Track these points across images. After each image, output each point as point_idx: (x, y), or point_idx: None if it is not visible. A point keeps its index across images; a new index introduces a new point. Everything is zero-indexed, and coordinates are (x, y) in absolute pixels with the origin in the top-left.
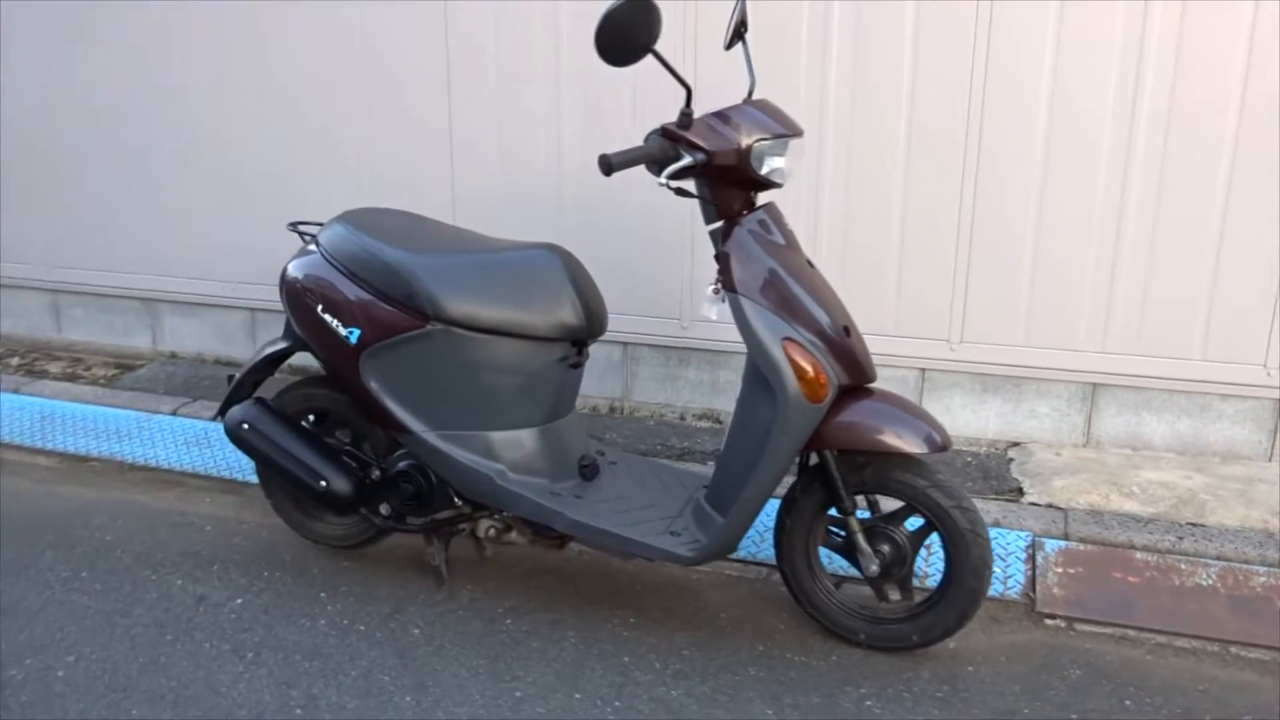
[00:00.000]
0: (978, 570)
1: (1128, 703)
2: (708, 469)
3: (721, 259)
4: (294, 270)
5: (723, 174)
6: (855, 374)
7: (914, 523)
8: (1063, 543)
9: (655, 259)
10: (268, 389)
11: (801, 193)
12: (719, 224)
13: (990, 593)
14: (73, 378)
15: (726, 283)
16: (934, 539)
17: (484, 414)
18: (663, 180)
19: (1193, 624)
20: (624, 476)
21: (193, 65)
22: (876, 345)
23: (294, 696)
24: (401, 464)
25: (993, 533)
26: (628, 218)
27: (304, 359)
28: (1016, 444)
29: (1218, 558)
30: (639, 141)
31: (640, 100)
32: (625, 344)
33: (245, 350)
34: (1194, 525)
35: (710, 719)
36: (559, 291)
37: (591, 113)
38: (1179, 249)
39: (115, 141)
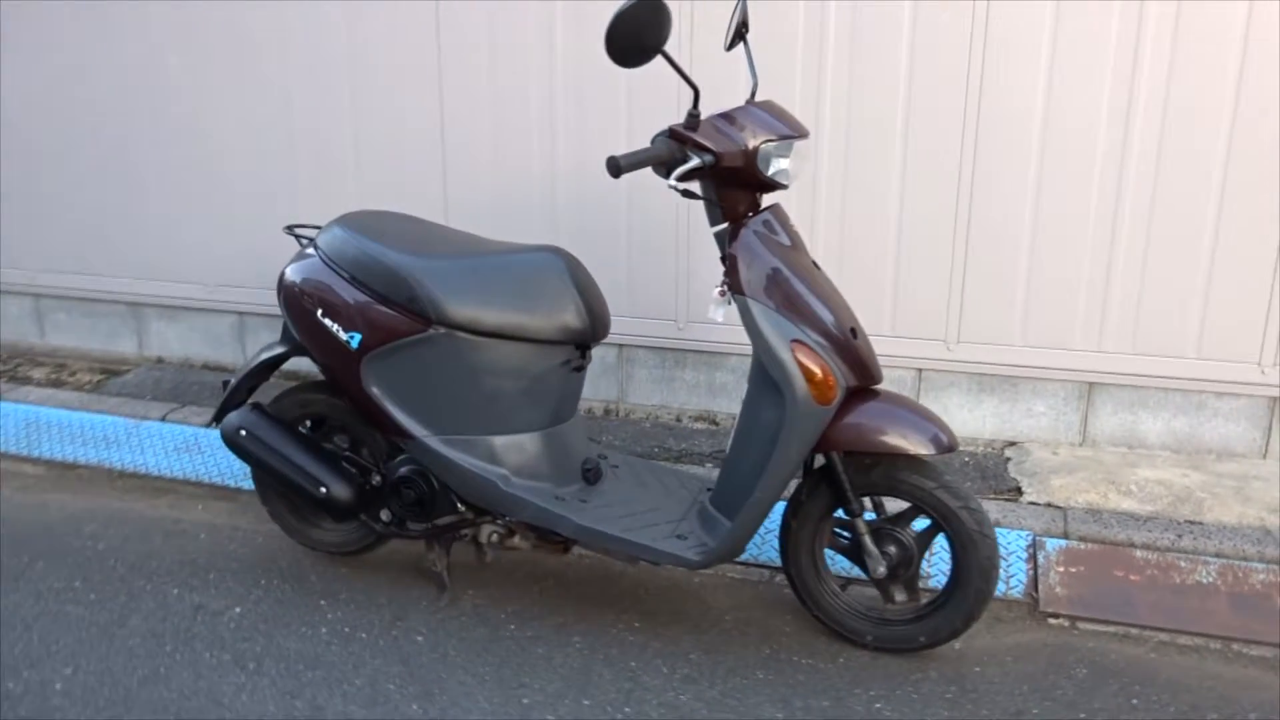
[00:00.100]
0: (985, 571)
1: (1134, 701)
2: (707, 470)
3: (729, 261)
4: (292, 274)
5: (729, 175)
6: (862, 375)
7: (920, 524)
8: (1063, 542)
9: (650, 261)
10: (262, 394)
11: (798, 194)
12: (724, 226)
13: None
14: (57, 384)
15: (734, 285)
16: (933, 539)
17: (487, 418)
18: (672, 183)
19: (1195, 621)
20: (627, 480)
21: (178, 66)
22: (873, 346)
23: (298, 707)
24: (403, 469)
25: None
26: (622, 219)
27: (297, 363)
28: (1013, 443)
29: (1217, 555)
30: (633, 142)
31: (635, 101)
32: (621, 346)
33: (234, 355)
34: (1192, 523)
35: None
36: (562, 294)
37: (586, 113)
38: (1174, 248)
39: (100, 143)
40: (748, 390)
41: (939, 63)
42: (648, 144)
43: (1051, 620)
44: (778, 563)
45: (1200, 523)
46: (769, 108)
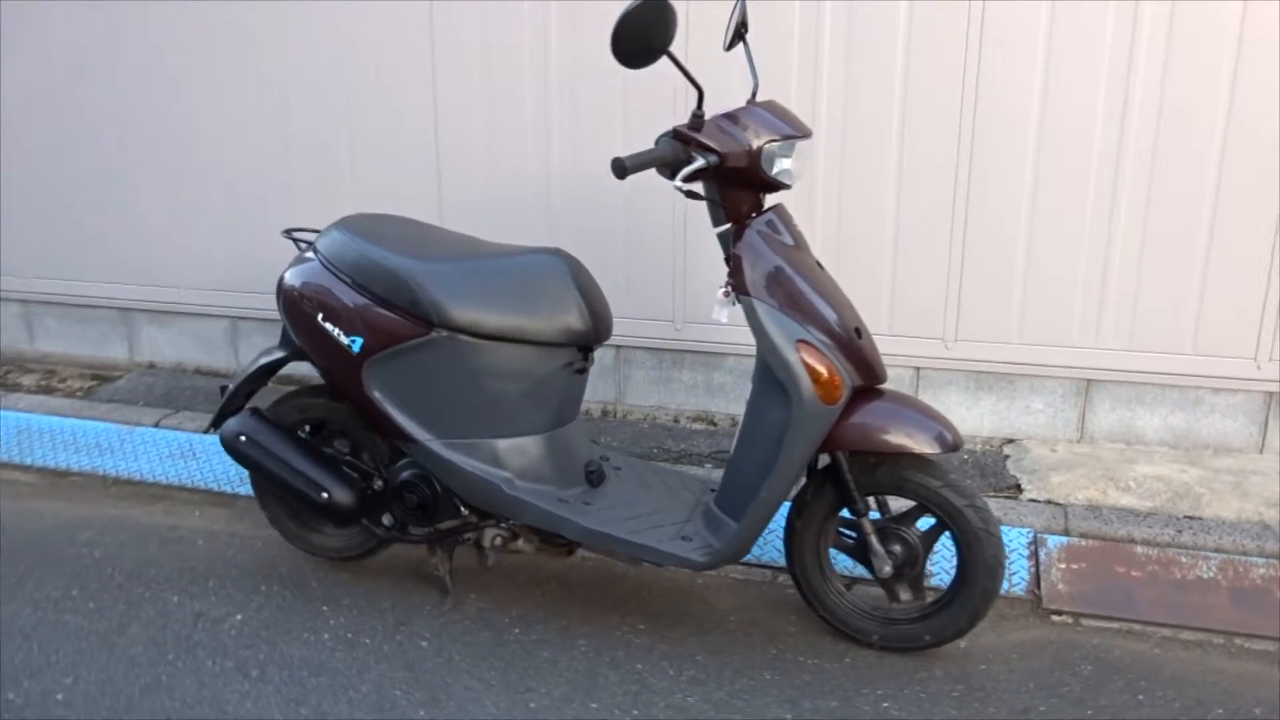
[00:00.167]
0: (991, 569)
1: (1140, 697)
2: (706, 471)
3: (733, 262)
4: (291, 278)
5: (733, 176)
6: (867, 375)
7: (924, 522)
8: (1064, 538)
9: (647, 261)
10: (259, 399)
11: (795, 194)
12: (728, 226)
13: None
14: (48, 390)
15: (739, 285)
16: (938, 538)
17: (490, 421)
18: (678, 184)
19: (1196, 617)
20: (629, 481)
21: (169, 67)
22: None
23: (304, 714)
24: (405, 473)
25: None
26: (619, 220)
27: (294, 368)
28: (1011, 441)
29: (1216, 550)
30: (629, 142)
31: (631, 101)
32: (618, 347)
33: (227, 359)
34: (1191, 518)
35: None
36: (565, 296)
37: (581, 113)
38: (1170, 247)
39: (89, 147)
40: (752, 391)
41: (935, 63)
42: (644, 144)
43: (1055, 617)
44: (780, 563)
45: (1199, 518)
46: (772, 108)
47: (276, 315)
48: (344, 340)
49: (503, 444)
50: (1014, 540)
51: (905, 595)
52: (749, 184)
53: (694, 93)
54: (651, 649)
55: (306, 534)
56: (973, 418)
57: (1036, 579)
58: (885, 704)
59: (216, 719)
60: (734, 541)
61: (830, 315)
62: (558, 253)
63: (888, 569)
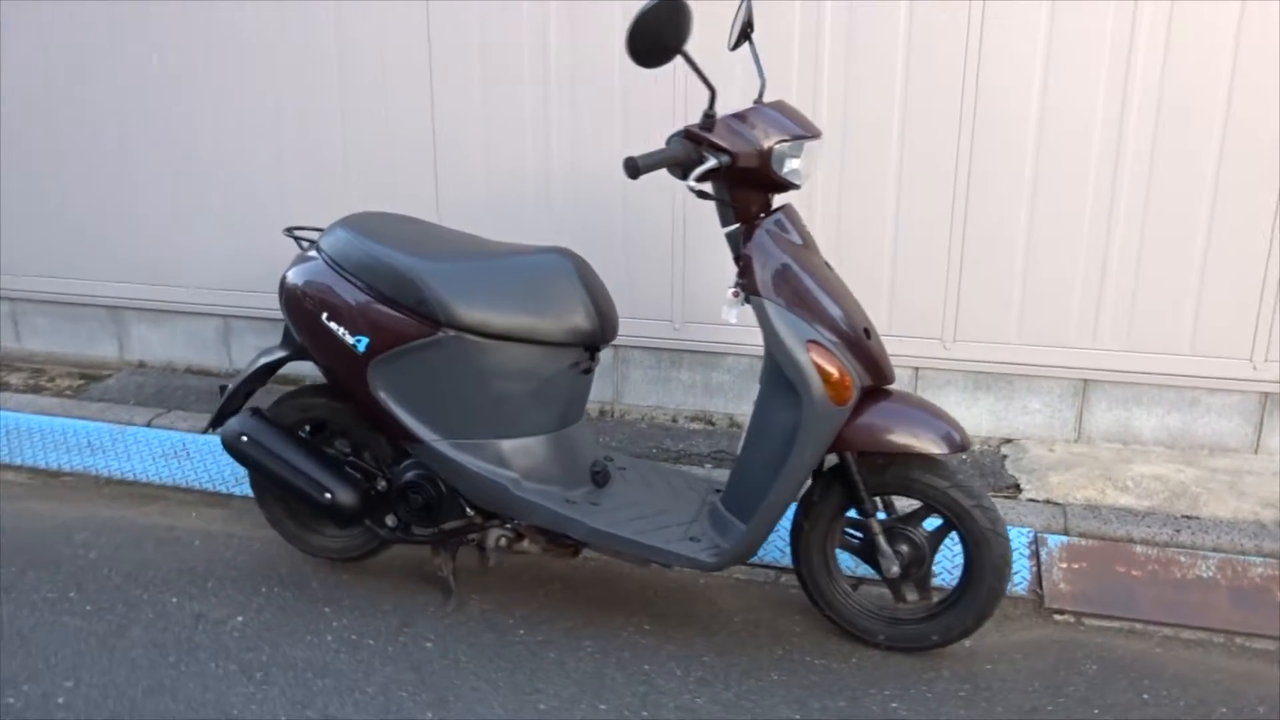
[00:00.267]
0: (998, 569)
1: (1145, 696)
2: (706, 471)
3: (743, 262)
4: (294, 277)
5: (743, 176)
6: (876, 375)
7: (931, 523)
8: (1064, 538)
9: (645, 261)
10: (255, 399)
11: (795, 193)
12: (737, 226)
13: None
14: (36, 389)
15: (749, 286)
16: (944, 538)
17: (497, 421)
18: (691, 184)
19: (1197, 616)
20: (634, 482)
21: (162, 63)
22: None
23: (310, 716)
24: (410, 474)
25: None
26: (618, 220)
27: (290, 367)
28: (1009, 440)
29: (1214, 549)
30: (628, 142)
31: (630, 101)
32: (616, 346)
33: (218, 359)
34: (1189, 518)
35: None
36: (571, 296)
37: (580, 113)
38: (1167, 247)
39: (79, 143)
40: (760, 391)
41: (935, 64)
42: (644, 144)
43: (1057, 617)
44: (783, 563)
45: (1197, 517)
46: (781, 108)
47: (271, 314)
48: (349, 340)
49: (509, 444)
50: (1015, 540)
51: (911, 595)
52: (759, 184)
53: (693, 93)
54: (658, 650)
55: (306, 535)
56: (971, 418)
57: (1038, 579)
58: (893, 704)
59: None
60: (743, 542)
61: (840, 315)
62: (564, 252)
63: (895, 569)
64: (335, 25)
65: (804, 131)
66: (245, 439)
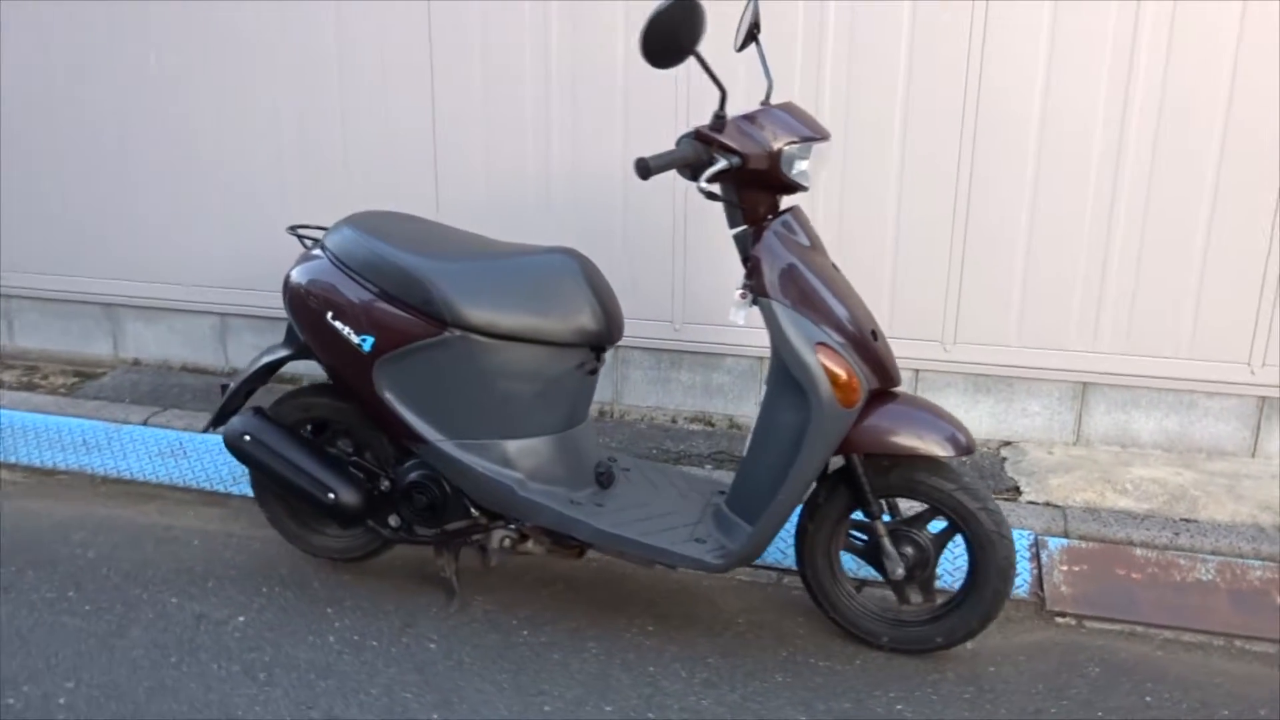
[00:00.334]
0: (1003, 571)
1: (1148, 699)
2: (707, 472)
3: (751, 264)
4: (299, 276)
5: (752, 177)
6: (882, 378)
7: (936, 525)
8: (1064, 540)
9: (645, 261)
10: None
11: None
12: (744, 228)
13: None
14: (30, 387)
15: (758, 288)
16: (949, 540)
17: (503, 422)
18: (702, 185)
19: (1197, 619)
20: (639, 483)
21: (161, 62)
22: None
23: (315, 717)
24: (414, 474)
25: None
26: (618, 220)
27: (290, 367)
28: (1009, 443)
29: (1213, 552)
30: (629, 142)
31: (631, 101)
32: (616, 346)
33: (214, 357)
34: (1188, 521)
35: None
36: (578, 296)
37: (581, 113)
38: (1167, 250)
39: (78, 143)
40: (766, 393)
41: (937, 64)
42: (645, 144)
43: (1059, 619)
44: (785, 565)
45: (1195, 521)
46: (790, 109)
47: (269, 313)
48: (354, 339)
49: (515, 445)
50: (1016, 542)
51: (915, 597)
52: (768, 186)
53: (694, 93)
54: (662, 651)
55: (308, 534)
56: (971, 420)
57: (1039, 581)
58: (899, 706)
59: None
60: (749, 544)
61: (848, 317)
62: (571, 252)
63: (900, 571)
64: (335, 25)
65: (813, 133)
66: (248, 439)
